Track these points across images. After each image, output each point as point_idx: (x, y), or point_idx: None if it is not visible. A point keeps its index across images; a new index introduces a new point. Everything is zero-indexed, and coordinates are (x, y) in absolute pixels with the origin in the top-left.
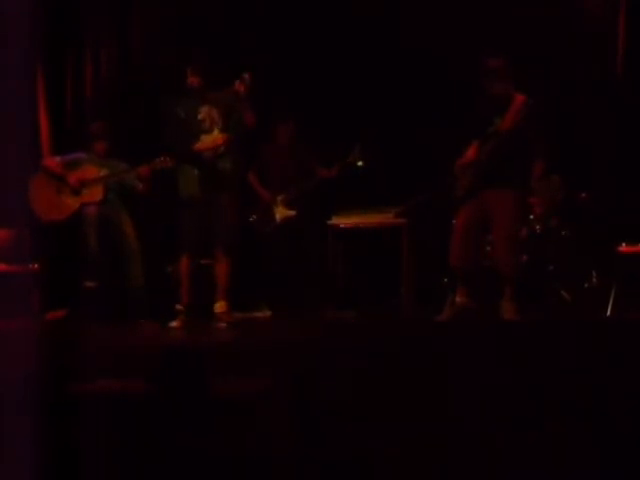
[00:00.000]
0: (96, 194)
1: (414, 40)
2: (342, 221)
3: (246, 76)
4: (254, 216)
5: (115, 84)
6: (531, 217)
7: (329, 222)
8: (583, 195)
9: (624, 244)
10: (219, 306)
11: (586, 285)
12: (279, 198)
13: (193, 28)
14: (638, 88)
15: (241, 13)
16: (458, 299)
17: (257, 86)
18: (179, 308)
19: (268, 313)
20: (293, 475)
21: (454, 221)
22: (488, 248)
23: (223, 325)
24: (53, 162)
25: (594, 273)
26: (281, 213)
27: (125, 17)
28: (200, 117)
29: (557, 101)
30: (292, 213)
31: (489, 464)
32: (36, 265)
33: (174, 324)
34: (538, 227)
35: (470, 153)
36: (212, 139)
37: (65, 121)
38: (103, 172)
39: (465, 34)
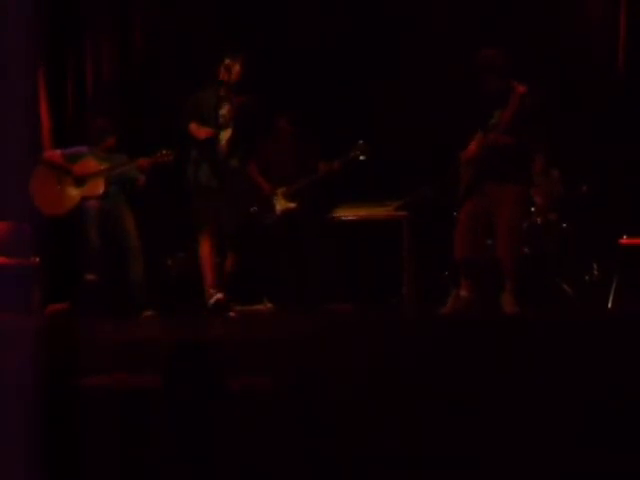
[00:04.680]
0: (97, 187)
1: (416, 37)
2: (343, 214)
3: (240, 57)
4: (254, 208)
5: (116, 82)
6: (532, 210)
7: (330, 215)
8: (584, 188)
9: (625, 236)
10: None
11: (587, 278)
12: (280, 190)
13: (193, 27)
14: (638, 86)
15: (242, 12)
16: (462, 292)
17: (253, 78)
18: (210, 292)
19: (269, 306)
20: (294, 472)
21: (455, 213)
22: (489, 241)
23: (222, 317)
24: (54, 154)
25: (595, 266)
26: (282, 205)
27: (125, 16)
28: (221, 112)
29: (557, 99)
30: (292, 206)
31: (489, 461)
32: (37, 258)
33: (211, 301)
34: (539, 220)
35: (472, 147)
36: (198, 131)
37: (66, 119)
38: (104, 165)
39: (465, 33)
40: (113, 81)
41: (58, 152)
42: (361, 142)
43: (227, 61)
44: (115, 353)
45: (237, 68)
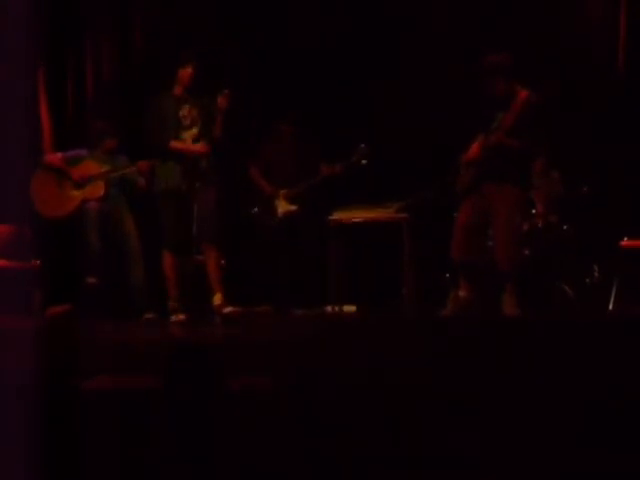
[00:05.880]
0: (97, 190)
1: (416, 37)
2: (343, 216)
3: (227, 92)
4: (256, 209)
5: (116, 83)
6: (533, 212)
7: (330, 217)
8: (584, 190)
9: (625, 238)
10: (216, 298)
11: (588, 280)
12: (282, 192)
13: (193, 27)
14: (638, 86)
15: (242, 12)
16: (461, 293)
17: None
18: (172, 305)
19: (268, 308)
20: (294, 472)
21: (455, 214)
22: (490, 243)
23: (220, 318)
24: (55, 158)
25: (596, 268)
26: (283, 208)
27: (125, 16)
28: (181, 114)
29: (557, 99)
30: (294, 208)
31: (489, 461)
32: (37, 261)
33: (176, 318)
34: (540, 222)
35: (473, 149)
36: (193, 146)
37: (66, 119)
38: (104, 168)
39: (465, 33)
40: (113, 81)
41: (58, 155)
42: (363, 146)
43: (180, 71)
44: (115, 354)
45: (189, 72)
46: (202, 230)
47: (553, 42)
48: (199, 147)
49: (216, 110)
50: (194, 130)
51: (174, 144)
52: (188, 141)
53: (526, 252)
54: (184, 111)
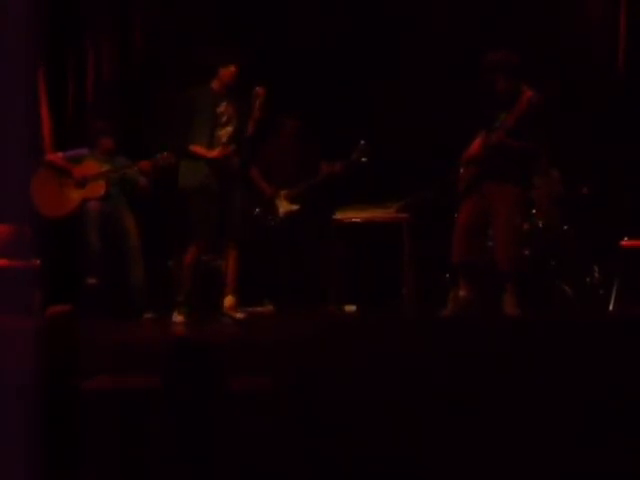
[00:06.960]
0: (98, 190)
1: (416, 37)
2: (345, 216)
3: (262, 92)
4: (257, 210)
5: (116, 83)
6: (533, 212)
7: (332, 217)
8: (584, 190)
9: (626, 238)
10: (227, 300)
11: (588, 280)
12: (282, 193)
13: (193, 27)
14: (638, 86)
15: (242, 12)
16: (461, 293)
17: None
18: (180, 300)
19: (270, 308)
20: (294, 472)
21: (455, 215)
22: (490, 243)
23: (230, 320)
24: (56, 157)
25: (596, 268)
26: (284, 208)
27: (125, 16)
28: (219, 110)
29: (557, 99)
30: (295, 208)
31: (489, 461)
32: (38, 261)
33: (177, 318)
34: (540, 222)
35: (474, 147)
36: (209, 153)
37: (66, 119)
38: (105, 168)
39: (465, 33)
40: (113, 81)
41: (59, 154)
42: (363, 143)
43: (221, 69)
44: (115, 353)
45: (232, 71)
46: (229, 231)
47: (553, 42)
48: (216, 153)
49: (252, 110)
50: (229, 128)
51: (194, 148)
52: (223, 138)
53: (526, 252)
54: (221, 107)
